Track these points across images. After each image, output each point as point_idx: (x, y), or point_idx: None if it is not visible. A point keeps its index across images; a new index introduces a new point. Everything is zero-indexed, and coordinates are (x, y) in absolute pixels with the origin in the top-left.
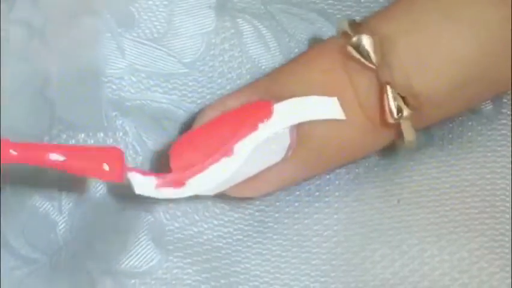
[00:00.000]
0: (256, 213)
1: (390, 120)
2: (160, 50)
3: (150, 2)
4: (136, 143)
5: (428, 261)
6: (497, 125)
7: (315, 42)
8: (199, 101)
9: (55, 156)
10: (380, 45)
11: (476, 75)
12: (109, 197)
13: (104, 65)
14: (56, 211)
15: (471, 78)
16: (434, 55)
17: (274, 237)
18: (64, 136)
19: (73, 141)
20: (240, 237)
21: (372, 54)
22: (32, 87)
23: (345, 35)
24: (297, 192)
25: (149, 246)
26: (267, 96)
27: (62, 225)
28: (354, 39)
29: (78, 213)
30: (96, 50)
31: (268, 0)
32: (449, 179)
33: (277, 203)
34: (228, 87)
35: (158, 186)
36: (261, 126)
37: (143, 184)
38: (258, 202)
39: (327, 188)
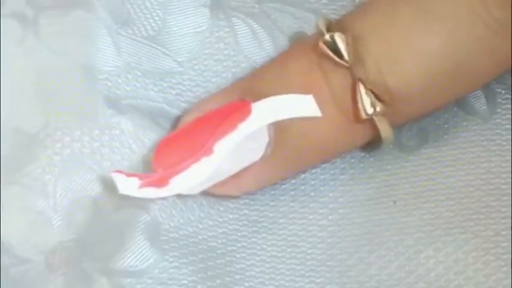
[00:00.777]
0: (251, 214)
1: (364, 116)
2: (155, 48)
3: None
4: (133, 141)
5: (423, 263)
6: (492, 124)
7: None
8: (194, 100)
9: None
10: (352, 42)
11: (449, 69)
12: (105, 196)
13: (99, 62)
14: (51, 209)
15: (444, 73)
16: (405, 50)
17: (269, 237)
18: (59, 133)
19: (68, 139)
20: (235, 237)
21: (344, 52)
22: (28, 83)
23: (320, 34)
24: (292, 193)
25: (145, 246)
26: (245, 96)
27: (57, 224)
28: (327, 37)
29: (74, 211)
30: (92, 46)
31: None
32: (444, 180)
33: (272, 203)
34: (223, 87)
35: (141, 186)
36: (239, 125)
37: (127, 184)
38: (252, 202)
39: (322, 188)
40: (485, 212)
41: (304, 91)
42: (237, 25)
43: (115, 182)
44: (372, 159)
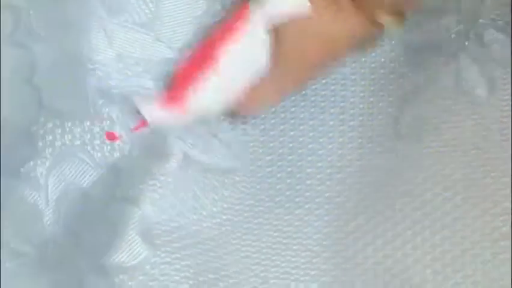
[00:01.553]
0: (246, 203)
1: None
2: (148, 35)
3: None
4: (124, 132)
5: (420, 259)
6: (492, 112)
7: None
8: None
9: None
10: None
11: None
12: (97, 188)
13: (90, 52)
14: (42, 201)
15: None
16: None
17: (265, 227)
18: (50, 125)
19: (60, 130)
20: (230, 228)
21: None
22: (20, 74)
23: None
24: (288, 181)
25: (136, 241)
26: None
27: (49, 217)
28: None
29: (65, 204)
30: (83, 36)
31: None
32: (443, 171)
33: (268, 192)
34: None
35: (162, 106)
36: (238, 32)
37: (152, 110)
38: (248, 191)
39: (318, 176)
40: (483, 208)
41: None
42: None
43: (142, 112)
44: (370, 145)
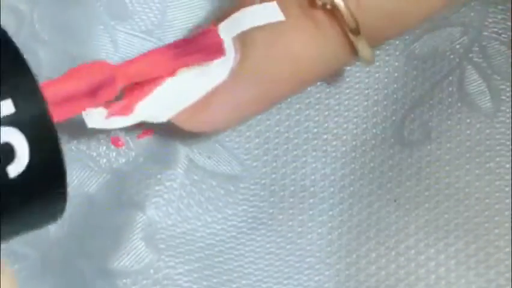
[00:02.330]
0: (250, 209)
1: (319, 3)
2: (153, 42)
3: None
4: (129, 138)
5: (424, 264)
6: (495, 123)
7: None
8: None
9: None
10: None
11: None
12: (102, 193)
13: (95, 58)
14: None
15: None
16: None
17: (268, 234)
18: None
19: (66, 137)
20: (234, 234)
21: None
22: None
23: None
24: (292, 188)
25: (141, 246)
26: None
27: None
28: None
29: (70, 209)
30: (88, 42)
31: None
32: (446, 179)
33: (272, 199)
34: None
35: (108, 115)
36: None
37: (94, 116)
38: (252, 198)
39: (322, 183)
40: (487, 216)
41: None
42: None
43: (83, 116)
44: (373, 153)
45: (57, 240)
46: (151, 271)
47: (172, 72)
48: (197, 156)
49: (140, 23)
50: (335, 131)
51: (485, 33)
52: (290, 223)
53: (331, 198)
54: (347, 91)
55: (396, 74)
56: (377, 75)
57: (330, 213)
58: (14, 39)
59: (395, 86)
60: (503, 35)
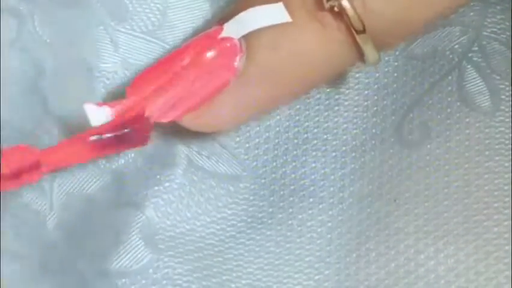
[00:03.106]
0: (250, 209)
1: (326, 6)
2: (154, 43)
3: None
4: None
5: (423, 263)
6: (495, 122)
7: None
8: None
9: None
10: None
11: None
12: (101, 194)
13: (96, 59)
14: (46, 208)
15: None
16: None
17: (268, 233)
18: (56, 131)
19: (64, 137)
20: (233, 233)
21: None
22: (26, 78)
23: None
24: (292, 187)
25: (140, 245)
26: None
27: (53, 222)
28: None
29: (69, 210)
30: (88, 43)
31: None
32: (445, 178)
33: (271, 198)
34: None
35: (114, 115)
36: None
37: (98, 114)
38: (251, 198)
39: (322, 182)
40: (486, 214)
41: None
42: None
43: (87, 113)
44: (373, 153)
45: (57, 240)
46: (150, 271)
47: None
48: (196, 157)
49: (140, 24)
50: (334, 131)
51: (485, 33)
52: (290, 222)
53: (331, 197)
54: (347, 91)
55: (395, 74)
56: (376, 75)
57: (330, 212)
58: (16, 42)
59: (395, 86)
60: (502, 35)
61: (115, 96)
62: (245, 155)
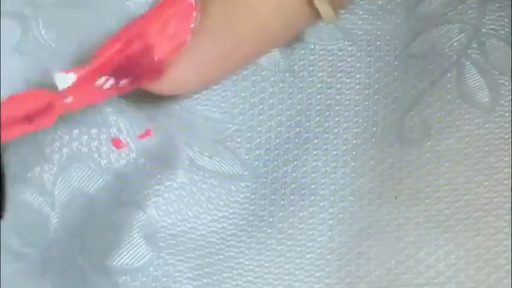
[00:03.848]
0: (251, 207)
1: None
2: None
3: None
4: (130, 139)
5: (424, 259)
6: (494, 117)
7: None
8: (196, 96)
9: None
10: None
11: None
12: (102, 193)
13: None
14: (48, 206)
15: None
16: None
17: (269, 230)
18: (58, 132)
19: (67, 137)
20: (234, 231)
21: None
22: (29, 82)
23: None
24: (293, 185)
25: (141, 243)
26: None
27: (55, 221)
28: None
29: (71, 208)
30: (91, 45)
31: None
32: (446, 175)
33: (273, 196)
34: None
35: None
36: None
37: (64, 79)
38: (253, 196)
39: (323, 181)
40: (487, 209)
41: None
42: None
43: (54, 79)
44: (373, 151)
45: (58, 239)
46: (151, 269)
47: (140, 34)
48: (198, 156)
49: None
50: (335, 131)
51: (484, 30)
52: (291, 220)
53: (332, 195)
54: (347, 92)
55: (396, 73)
56: (377, 75)
57: (331, 210)
58: (20, 46)
59: (395, 85)
60: (501, 31)
61: (116, 97)
62: (246, 155)
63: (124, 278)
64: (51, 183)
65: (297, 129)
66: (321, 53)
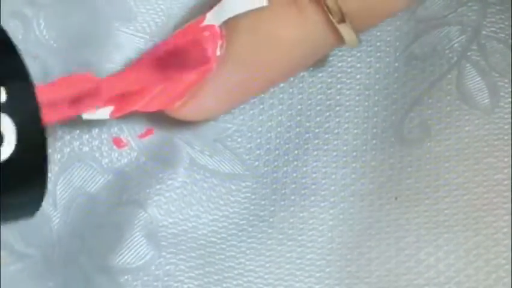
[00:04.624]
0: (252, 207)
1: None
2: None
3: None
4: (131, 138)
5: (424, 259)
6: (494, 118)
7: None
8: None
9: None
10: None
11: None
12: (104, 192)
13: (100, 61)
14: (50, 206)
15: None
16: None
17: (269, 231)
18: (60, 132)
19: (68, 137)
20: (235, 231)
21: None
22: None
23: None
24: (293, 186)
25: (142, 243)
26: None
27: (57, 221)
28: None
29: (72, 208)
30: (93, 44)
31: None
32: (446, 175)
33: (273, 197)
34: None
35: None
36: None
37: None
38: (253, 196)
39: (323, 181)
40: (486, 210)
41: None
42: None
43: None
44: (374, 152)
45: (59, 238)
46: (152, 268)
47: (156, 85)
48: (199, 155)
49: (144, 25)
50: (335, 131)
51: (484, 33)
52: (291, 220)
53: (332, 196)
54: (347, 92)
55: (396, 75)
56: (377, 76)
57: (331, 211)
58: (21, 46)
59: (395, 86)
60: (501, 34)
61: None
62: (247, 155)
63: (126, 277)
64: (53, 183)
65: (298, 130)
66: None
